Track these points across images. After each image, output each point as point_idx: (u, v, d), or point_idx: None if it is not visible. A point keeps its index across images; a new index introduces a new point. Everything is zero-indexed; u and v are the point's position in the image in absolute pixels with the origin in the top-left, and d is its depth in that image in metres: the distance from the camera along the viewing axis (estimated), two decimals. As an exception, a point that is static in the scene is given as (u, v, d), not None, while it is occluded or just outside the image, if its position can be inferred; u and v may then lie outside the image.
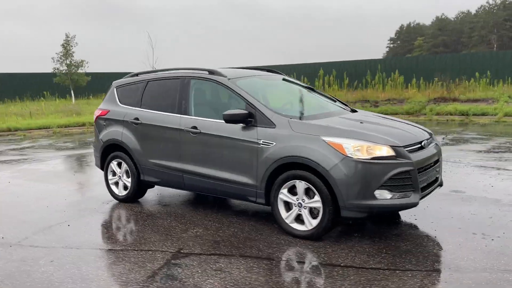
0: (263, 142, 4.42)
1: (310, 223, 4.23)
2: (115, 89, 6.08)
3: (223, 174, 4.74)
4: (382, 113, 18.28)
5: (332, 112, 4.99)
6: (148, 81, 5.66)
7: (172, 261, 3.88)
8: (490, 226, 4.51)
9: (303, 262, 3.83)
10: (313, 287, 3.38)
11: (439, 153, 4.71)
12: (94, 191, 6.48)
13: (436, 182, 4.63)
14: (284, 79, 5.76)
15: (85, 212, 5.45)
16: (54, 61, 29.03)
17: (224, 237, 4.42)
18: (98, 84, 31.53)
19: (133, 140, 5.54)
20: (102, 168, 6.05)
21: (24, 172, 8.20)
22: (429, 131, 4.89)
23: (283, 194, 4.34)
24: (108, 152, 5.90)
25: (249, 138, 4.51)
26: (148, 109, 5.50)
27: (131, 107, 5.70)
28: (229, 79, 4.91)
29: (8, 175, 7.93)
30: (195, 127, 4.91)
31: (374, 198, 4.00)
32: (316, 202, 4.16)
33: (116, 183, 5.86)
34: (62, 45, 29.04)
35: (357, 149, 4.03)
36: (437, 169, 4.65)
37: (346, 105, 5.50)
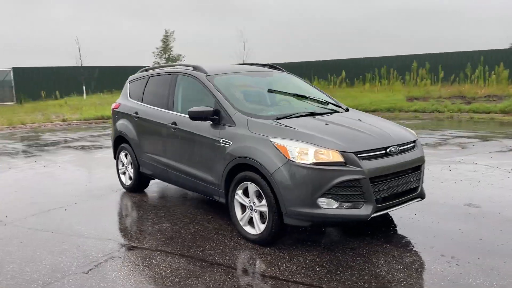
0: (223, 141, 4.34)
1: (259, 227, 4.07)
2: (128, 83, 6.41)
3: (193, 170, 4.77)
4: (472, 111, 17.03)
5: (311, 112, 4.66)
6: (149, 77, 5.87)
7: (115, 253, 4.02)
8: (470, 248, 3.90)
9: (234, 268, 3.69)
10: (221, 295, 3.27)
11: (417, 161, 4.19)
12: (115, 180, 6.92)
13: (410, 193, 4.13)
14: (280, 77, 5.56)
15: (89, 198, 5.87)
16: (154, 55, 31.40)
17: (182, 234, 4.45)
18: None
19: (134, 133, 5.82)
20: (115, 158, 6.45)
21: (80, 158, 9.07)
22: (412, 137, 4.38)
23: (238, 195, 4.23)
24: (119, 144, 6.26)
25: (212, 136, 4.46)
26: (147, 103, 5.72)
27: (135, 102, 5.98)
28: (207, 75, 4.88)
29: (64, 159, 8.83)
30: (175, 123, 4.99)
31: (317, 206, 3.70)
32: (263, 206, 3.99)
33: (124, 173, 6.21)
34: (162, 40, 31.25)
35: (302, 153, 3.75)
36: (413, 179, 4.15)
37: (339, 106, 5.11)
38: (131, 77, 6.45)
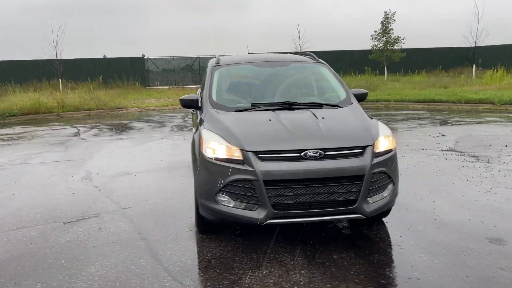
0: (192, 128, 4.69)
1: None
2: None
3: None
4: None
5: (285, 105, 4.41)
6: None
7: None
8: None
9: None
10: None
11: (352, 170, 3.60)
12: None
13: (338, 206, 3.61)
14: (295, 67, 5.33)
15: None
16: (372, 38, 30.86)
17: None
18: (410, 60, 31.20)
19: None
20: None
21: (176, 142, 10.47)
22: (362, 143, 3.74)
23: None
24: None
25: (190, 123, 4.82)
26: None
27: None
28: (214, 66, 5.16)
29: (165, 143, 10.02)
30: None
31: (217, 202, 3.71)
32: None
33: None
34: (381, 22, 30.37)
35: (209, 147, 3.80)
36: (344, 190, 3.60)
37: (333, 104, 4.59)
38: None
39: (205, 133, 3.98)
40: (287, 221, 3.68)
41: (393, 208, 4.50)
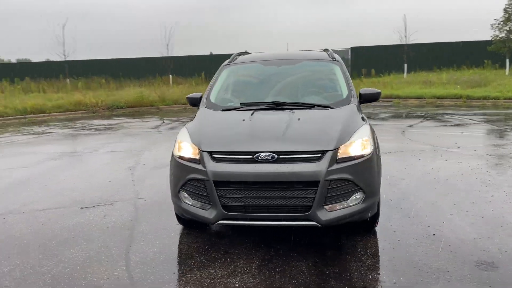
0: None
1: None
2: None
3: None
4: None
5: (272, 105, 4.30)
6: None
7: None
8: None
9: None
10: None
11: (305, 175, 3.43)
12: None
13: (291, 212, 3.48)
14: (303, 65, 5.13)
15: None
16: (492, 27, 27.63)
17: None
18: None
19: None
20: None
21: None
22: (323, 147, 3.52)
23: None
24: None
25: None
26: None
27: None
28: (225, 65, 5.26)
29: None
30: None
31: (179, 199, 3.84)
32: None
33: None
34: (504, 9, 27.02)
35: (178, 145, 3.92)
36: (297, 196, 3.45)
37: (326, 106, 4.34)
38: None
39: (181, 131, 4.12)
40: (238, 223, 3.65)
41: (397, 216, 4.21)
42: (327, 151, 3.52)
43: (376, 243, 3.94)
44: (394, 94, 19.50)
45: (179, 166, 3.83)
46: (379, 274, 3.38)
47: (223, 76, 5.09)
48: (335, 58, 5.14)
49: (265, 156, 3.51)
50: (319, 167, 3.46)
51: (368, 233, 4.16)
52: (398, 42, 29.30)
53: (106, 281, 3.40)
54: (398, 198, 5.17)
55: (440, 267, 3.44)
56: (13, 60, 51.20)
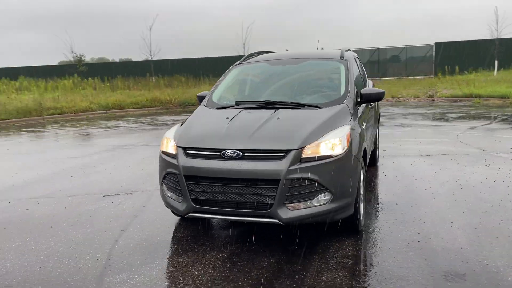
0: None
1: None
2: None
3: None
4: None
5: (264, 104, 4.39)
6: None
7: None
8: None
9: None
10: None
11: (266, 173, 3.50)
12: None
13: (252, 208, 3.57)
14: (308, 64, 5.11)
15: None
16: None
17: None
18: None
19: None
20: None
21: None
22: (288, 146, 3.55)
23: None
24: None
25: None
26: None
27: None
28: (236, 64, 5.43)
29: None
30: None
31: (162, 190, 4.10)
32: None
33: None
34: None
35: (163, 140, 4.17)
36: (258, 193, 3.54)
37: (314, 105, 4.31)
38: None
39: (171, 128, 4.38)
40: (206, 217, 3.82)
41: (392, 221, 4.26)
42: (290, 150, 3.55)
43: (352, 246, 3.87)
44: (475, 93, 18.11)
45: (161, 161, 4.09)
46: (336, 276, 3.34)
47: (231, 76, 5.27)
48: (343, 57, 5.06)
49: (231, 153, 3.63)
50: (280, 166, 3.50)
51: (354, 234, 4.09)
52: (487, 37, 27.04)
53: (87, 261, 3.76)
54: (407, 203, 4.96)
55: (402, 274, 3.31)
56: (117, 60, 55.80)
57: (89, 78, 30.03)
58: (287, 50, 5.90)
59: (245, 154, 3.61)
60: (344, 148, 3.71)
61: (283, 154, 3.55)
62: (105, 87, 26.69)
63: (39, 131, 13.29)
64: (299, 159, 3.54)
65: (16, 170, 7.54)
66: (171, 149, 3.98)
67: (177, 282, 3.34)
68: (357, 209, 3.93)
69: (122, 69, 36.13)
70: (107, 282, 3.37)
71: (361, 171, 4.09)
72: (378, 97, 4.65)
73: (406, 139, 9.15)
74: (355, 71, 5.07)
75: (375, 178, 6.14)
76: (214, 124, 4.11)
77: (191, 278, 3.39)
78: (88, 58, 44.26)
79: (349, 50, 5.55)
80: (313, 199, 3.58)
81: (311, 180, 3.53)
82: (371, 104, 5.73)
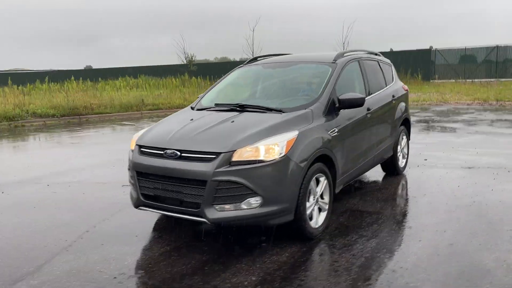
0: None
1: None
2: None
3: None
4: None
5: (238, 106, 4.50)
6: None
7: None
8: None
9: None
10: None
11: (195, 173, 3.66)
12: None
13: (184, 206, 3.75)
14: (298, 67, 5.04)
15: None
16: None
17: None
18: None
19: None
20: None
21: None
22: (220, 149, 3.67)
23: None
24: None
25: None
26: None
27: None
28: (238, 66, 5.60)
29: None
30: None
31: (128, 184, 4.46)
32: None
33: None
34: None
35: (132, 140, 4.50)
36: (188, 192, 3.72)
37: (277, 109, 4.32)
38: None
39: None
40: (151, 211, 4.06)
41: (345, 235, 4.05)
42: (220, 153, 3.64)
43: (291, 253, 3.81)
44: None
45: (128, 158, 4.46)
46: (247, 279, 3.36)
47: (228, 78, 5.45)
48: (335, 61, 4.91)
49: (170, 153, 3.85)
50: (208, 167, 3.62)
51: (303, 242, 4.02)
52: None
53: (57, 241, 4.23)
54: (395, 218, 4.67)
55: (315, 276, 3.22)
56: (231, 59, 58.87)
57: (193, 77, 32.05)
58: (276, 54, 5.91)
59: (183, 154, 3.80)
60: (281, 154, 3.68)
61: (213, 156, 3.66)
62: (205, 85, 28.37)
63: (128, 124, 14.77)
64: (228, 162, 3.62)
65: (74, 157, 8.64)
66: (132, 146, 4.32)
67: (107, 265, 3.66)
68: (300, 216, 3.85)
69: (224, 69, 37.92)
70: (55, 261, 3.83)
71: (325, 178, 4.15)
72: (355, 103, 4.47)
73: (463, 149, 8.32)
74: (345, 75, 4.89)
75: (377, 190, 5.79)
76: (175, 124, 4.34)
77: (123, 264, 3.68)
78: (201, 58, 47.25)
79: (350, 52, 5.34)
80: (242, 202, 3.62)
81: (238, 183, 3.58)
82: (393, 109, 5.67)
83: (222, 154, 3.64)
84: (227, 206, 3.64)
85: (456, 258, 3.61)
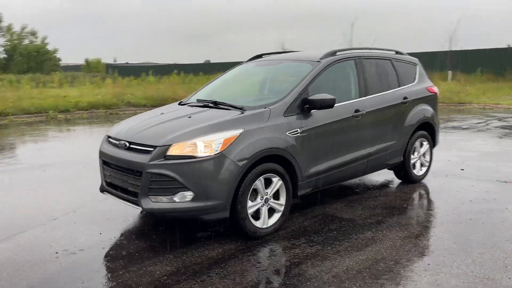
0: None
1: None
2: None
3: None
4: None
5: (211, 103, 4.62)
6: None
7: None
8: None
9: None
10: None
11: (134, 164, 3.89)
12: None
13: (128, 194, 4.03)
14: (284, 66, 4.95)
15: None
16: None
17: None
18: None
19: None
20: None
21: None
22: (158, 143, 3.84)
23: None
24: None
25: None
26: None
27: None
28: (240, 65, 5.70)
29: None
30: None
31: None
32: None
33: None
34: None
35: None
36: (131, 182, 3.96)
37: (238, 107, 4.33)
38: None
39: None
40: (110, 197, 4.33)
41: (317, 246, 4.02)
42: (156, 146, 3.83)
43: (233, 251, 3.85)
44: None
45: None
46: (165, 268, 3.51)
47: (224, 75, 5.57)
48: (319, 60, 4.75)
49: (122, 144, 4.14)
50: (144, 159, 3.83)
51: (248, 240, 4.05)
52: None
53: (44, 224, 4.70)
54: (361, 228, 4.43)
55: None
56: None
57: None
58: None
59: (131, 146, 4.06)
60: (215, 151, 3.74)
61: (151, 149, 3.85)
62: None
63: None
64: (163, 155, 3.78)
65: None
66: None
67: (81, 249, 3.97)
68: (238, 214, 3.87)
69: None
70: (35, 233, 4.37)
71: (279, 179, 4.12)
72: (325, 103, 4.30)
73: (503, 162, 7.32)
74: (329, 75, 4.70)
75: (373, 197, 5.43)
76: (145, 117, 4.62)
77: (98, 254, 3.89)
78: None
79: (347, 50, 5.10)
80: (175, 195, 3.76)
81: (170, 176, 3.73)
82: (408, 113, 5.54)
83: (158, 148, 3.82)
84: (160, 198, 3.80)
85: None
